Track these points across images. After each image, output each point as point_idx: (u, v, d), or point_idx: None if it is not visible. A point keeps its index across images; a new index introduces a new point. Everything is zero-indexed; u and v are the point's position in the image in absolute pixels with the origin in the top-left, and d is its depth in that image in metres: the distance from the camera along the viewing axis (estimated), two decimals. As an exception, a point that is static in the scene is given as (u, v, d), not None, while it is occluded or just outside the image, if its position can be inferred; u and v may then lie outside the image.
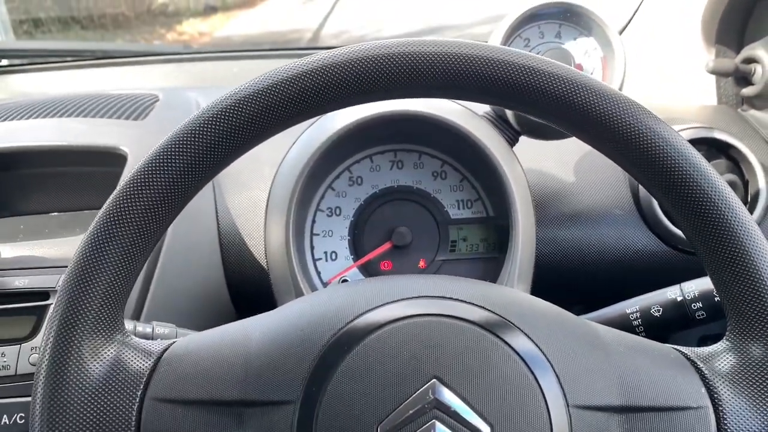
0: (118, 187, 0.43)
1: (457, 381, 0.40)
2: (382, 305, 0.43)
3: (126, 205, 0.42)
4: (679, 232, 0.80)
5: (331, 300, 0.45)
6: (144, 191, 0.42)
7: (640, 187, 0.82)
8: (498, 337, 0.41)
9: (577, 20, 0.76)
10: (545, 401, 0.40)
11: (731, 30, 0.96)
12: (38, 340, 0.63)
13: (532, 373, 0.40)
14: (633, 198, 0.83)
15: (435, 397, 0.39)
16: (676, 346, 0.46)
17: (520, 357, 0.41)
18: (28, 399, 0.61)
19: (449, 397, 0.39)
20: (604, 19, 0.74)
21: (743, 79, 0.95)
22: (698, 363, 0.44)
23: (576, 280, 0.83)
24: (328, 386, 0.40)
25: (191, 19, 7.07)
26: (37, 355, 0.63)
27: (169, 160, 0.42)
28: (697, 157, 0.43)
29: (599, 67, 0.76)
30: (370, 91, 0.43)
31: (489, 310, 0.43)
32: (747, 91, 0.95)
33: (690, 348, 0.46)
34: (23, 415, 0.62)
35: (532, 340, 0.42)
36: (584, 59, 0.76)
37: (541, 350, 0.41)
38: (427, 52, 0.42)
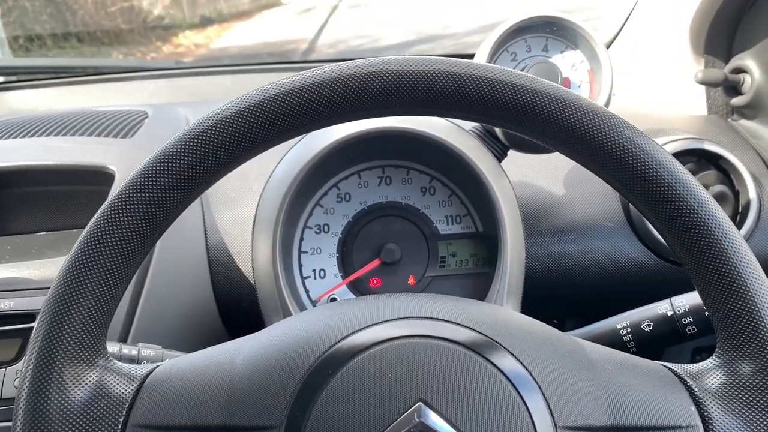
0: (100, 209, 0.43)
1: (443, 403, 0.39)
2: (367, 327, 0.42)
3: (108, 226, 0.42)
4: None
5: (316, 322, 0.45)
6: (126, 212, 0.42)
7: None
8: (484, 357, 0.41)
9: (563, 34, 0.76)
10: (533, 423, 0.39)
11: (719, 40, 0.96)
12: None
13: (519, 394, 0.40)
14: (623, 210, 0.83)
15: (420, 420, 0.39)
16: (665, 363, 0.46)
17: (506, 378, 0.40)
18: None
19: (435, 420, 0.39)
20: (591, 32, 0.74)
21: (732, 89, 0.95)
22: (688, 380, 0.44)
23: (567, 293, 0.83)
24: (312, 410, 0.39)
25: (187, 32, 7.10)
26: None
27: (152, 180, 0.42)
28: (683, 172, 0.42)
29: (586, 80, 0.76)
30: (356, 109, 0.43)
31: (475, 330, 0.42)
32: (736, 101, 0.95)
33: (680, 365, 0.46)
34: None
35: (519, 361, 0.41)
36: (571, 72, 0.76)
37: (528, 370, 0.41)
38: (414, 70, 0.42)
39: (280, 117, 0.42)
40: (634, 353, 0.50)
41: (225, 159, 0.43)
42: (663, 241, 0.79)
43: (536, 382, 0.40)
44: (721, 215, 0.42)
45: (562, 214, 0.83)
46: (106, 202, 0.43)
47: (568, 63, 0.76)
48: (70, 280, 0.42)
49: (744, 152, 0.88)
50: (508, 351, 0.41)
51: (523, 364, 0.41)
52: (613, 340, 0.63)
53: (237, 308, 0.80)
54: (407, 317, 0.43)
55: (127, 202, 0.42)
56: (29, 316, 0.64)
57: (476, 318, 0.44)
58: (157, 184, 0.42)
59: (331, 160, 0.71)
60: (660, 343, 0.62)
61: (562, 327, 0.49)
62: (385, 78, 0.42)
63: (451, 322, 0.43)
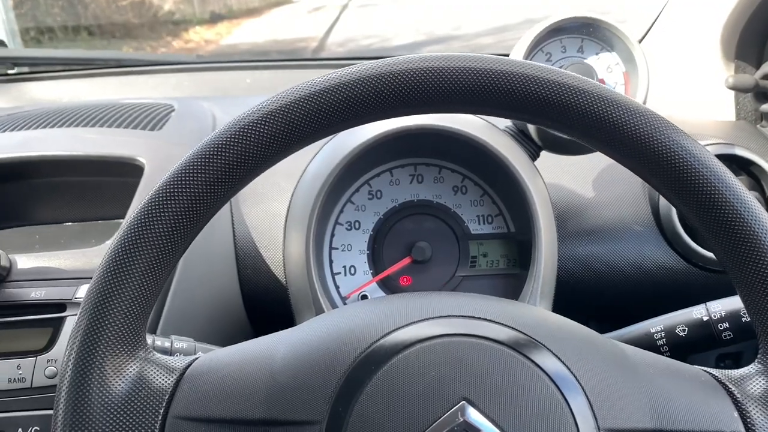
0: (143, 200, 0.42)
1: (487, 402, 0.39)
2: (410, 324, 0.42)
3: (152, 217, 0.42)
4: (699, 248, 0.79)
5: (357, 317, 0.44)
6: (169, 205, 0.42)
7: (660, 202, 0.81)
8: (527, 357, 0.41)
9: (599, 35, 0.76)
10: (575, 424, 0.39)
11: (751, 46, 0.95)
12: (54, 352, 0.62)
13: (563, 394, 0.39)
14: (653, 214, 0.83)
15: (464, 418, 0.38)
16: (706, 369, 0.46)
17: (550, 378, 0.40)
18: (44, 412, 0.62)
19: (478, 418, 0.38)
20: (627, 34, 0.74)
21: (763, 95, 0.95)
22: (730, 386, 0.43)
23: (592, 295, 0.83)
24: (354, 406, 0.39)
25: (197, 27, 7.11)
26: (53, 367, 0.62)
27: (196, 174, 0.42)
28: (728, 175, 0.42)
29: (621, 83, 0.76)
30: (403, 105, 0.43)
31: (518, 330, 0.42)
32: (766, 107, 0.94)
33: (721, 371, 0.45)
34: (38, 428, 0.62)
35: (562, 361, 0.41)
36: (606, 74, 0.76)
37: (571, 371, 0.41)
38: (457, 67, 0.42)
39: (327, 111, 0.42)
40: (668, 357, 0.50)
41: (270, 152, 0.43)
42: (692, 245, 0.79)
43: (579, 384, 0.40)
44: (767, 219, 0.42)
45: (591, 216, 0.83)
46: (150, 193, 0.42)
47: (603, 65, 0.76)
48: (113, 271, 0.42)
49: (773, 158, 0.88)
50: (552, 352, 0.41)
51: (566, 365, 0.41)
52: (646, 344, 0.62)
53: (263, 302, 0.80)
54: (450, 316, 0.43)
55: (172, 194, 0.42)
56: (60, 306, 0.64)
57: (519, 318, 0.43)
58: (202, 176, 0.42)
59: (363, 157, 0.71)
60: (694, 348, 0.62)
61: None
62: (434, 74, 0.42)
63: (495, 321, 0.43)
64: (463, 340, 0.41)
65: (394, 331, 0.42)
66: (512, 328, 0.42)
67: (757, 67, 0.96)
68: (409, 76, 0.42)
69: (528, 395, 0.39)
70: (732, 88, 0.94)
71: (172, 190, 0.42)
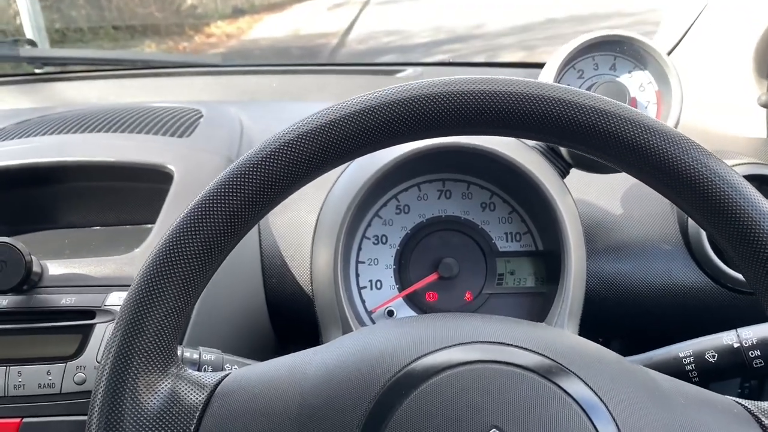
0: (182, 214, 0.43)
1: (517, 431, 0.39)
2: (441, 349, 0.42)
3: (189, 233, 0.42)
4: (728, 269, 0.78)
5: (388, 340, 0.44)
6: (207, 220, 0.42)
7: (689, 222, 0.80)
8: (558, 386, 0.40)
9: (632, 52, 0.75)
10: None
11: (785, 63, 0.94)
12: (84, 359, 0.63)
13: (593, 425, 0.39)
14: (681, 233, 0.82)
15: None
16: (737, 399, 0.45)
17: (581, 408, 0.40)
18: (72, 418, 0.63)
19: None
20: (661, 52, 0.73)
21: (795, 113, 0.93)
22: (762, 419, 0.43)
23: (619, 315, 0.82)
24: (385, 430, 0.39)
25: (219, 22, 7.14)
26: (82, 374, 0.63)
27: (236, 189, 0.42)
28: (761, 201, 0.42)
29: (654, 102, 0.75)
30: (438, 127, 0.43)
31: (549, 358, 0.42)
32: (798, 125, 0.93)
33: (752, 402, 0.45)
34: None
35: (594, 391, 0.41)
36: (639, 93, 0.75)
37: (602, 401, 0.40)
38: (502, 91, 0.42)
39: (366, 131, 0.42)
40: (696, 383, 0.49)
41: (308, 169, 0.43)
42: (721, 266, 0.78)
43: (611, 414, 0.40)
44: None
45: (618, 233, 0.82)
46: (188, 207, 0.43)
47: (636, 83, 0.75)
48: (149, 286, 0.42)
49: (804, 179, 0.86)
50: (583, 381, 0.41)
51: (597, 395, 0.40)
52: (674, 369, 0.61)
53: (288, 312, 0.80)
54: (481, 341, 0.43)
55: (210, 209, 0.42)
56: (89, 313, 0.65)
57: (550, 345, 0.43)
58: (240, 192, 0.42)
59: (391, 172, 0.71)
60: (723, 375, 0.61)
61: (607, 347, 0.49)
62: (473, 98, 0.42)
63: (526, 348, 0.42)
64: (494, 368, 0.41)
65: (425, 356, 0.42)
66: (543, 355, 0.42)
67: (790, 84, 0.94)
68: (449, 98, 0.42)
69: (559, 424, 0.39)
70: (764, 105, 0.93)
71: (210, 205, 0.42)
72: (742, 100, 0.99)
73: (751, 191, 0.42)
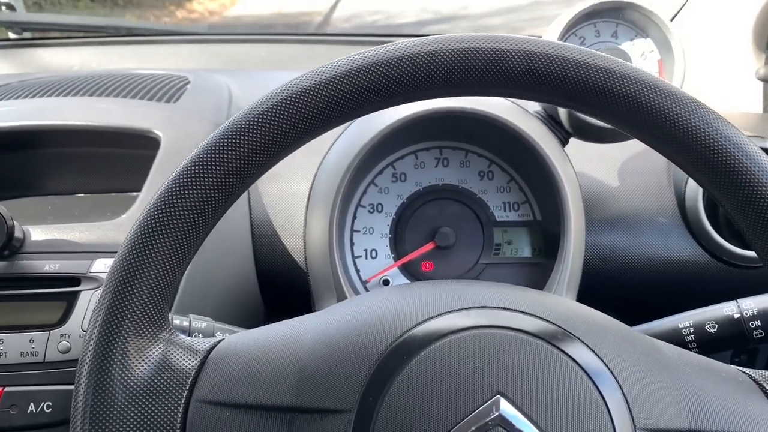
0: (170, 177, 0.41)
1: (522, 397, 0.38)
2: (443, 314, 0.41)
3: (179, 196, 0.41)
4: (725, 243, 0.78)
5: (388, 305, 0.43)
6: (198, 183, 0.41)
7: (686, 194, 0.80)
8: (564, 352, 0.40)
9: (634, 19, 0.74)
10: (612, 422, 0.38)
11: (783, 37, 0.93)
12: (68, 327, 0.61)
13: (599, 391, 0.39)
14: (678, 206, 0.81)
15: (498, 413, 0.37)
16: (743, 369, 0.45)
17: (587, 374, 0.39)
18: (56, 387, 0.61)
19: (513, 413, 0.37)
20: (665, 20, 0.71)
21: (792, 87, 0.93)
22: (767, 387, 0.42)
23: (614, 287, 0.81)
24: (385, 397, 0.38)
25: (201, -3, 7.02)
26: (66, 342, 0.61)
27: (227, 150, 0.41)
28: None
29: (656, 71, 0.74)
30: (444, 86, 0.41)
31: (554, 324, 0.41)
32: (795, 100, 0.92)
33: (758, 371, 0.44)
34: (50, 403, 0.61)
35: (599, 357, 0.40)
36: (641, 61, 0.74)
37: (608, 368, 0.40)
38: (509, 49, 0.41)
39: (367, 89, 0.41)
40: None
41: (302, 131, 0.41)
42: (718, 240, 0.78)
43: (617, 381, 0.39)
44: None
45: (615, 205, 0.81)
46: (177, 170, 0.41)
47: (638, 51, 0.74)
48: (139, 249, 0.40)
49: (801, 154, 0.86)
50: (589, 347, 0.40)
51: (603, 362, 0.40)
52: (674, 339, 0.61)
53: (279, 282, 0.79)
54: (484, 306, 0.42)
55: (201, 171, 0.41)
56: (74, 280, 0.63)
57: (554, 310, 0.42)
58: (234, 151, 0.40)
59: (388, 138, 0.69)
60: (723, 345, 0.61)
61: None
62: (475, 55, 0.41)
63: (530, 314, 0.42)
64: (498, 332, 0.40)
65: (427, 320, 0.41)
66: (548, 321, 0.41)
67: (788, 58, 0.94)
68: (450, 56, 0.41)
69: (564, 391, 0.38)
70: (762, 79, 0.92)
71: (201, 167, 0.40)
72: (740, 74, 0.98)
73: (762, 156, 0.41)
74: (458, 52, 0.41)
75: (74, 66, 1.21)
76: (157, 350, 0.41)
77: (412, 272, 0.74)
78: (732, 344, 0.61)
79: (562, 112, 0.72)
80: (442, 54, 0.41)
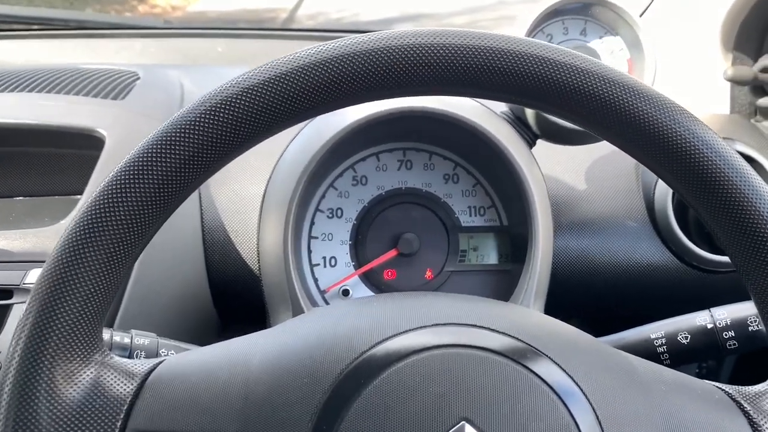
0: (105, 179, 0.38)
1: (489, 423, 0.35)
2: (405, 332, 0.38)
3: (114, 199, 0.37)
4: (694, 247, 0.77)
5: (344, 322, 0.40)
6: (135, 185, 0.37)
7: (655, 197, 0.78)
8: (533, 372, 0.37)
9: (603, 17, 0.72)
10: None
11: (751, 37, 0.92)
12: (0, 343, 0.57)
13: (571, 414, 0.36)
14: (647, 210, 0.80)
15: None
16: (719, 385, 0.43)
17: (557, 396, 0.37)
18: None
19: None
20: (635, 18, 0.69)
21: (760, 88, 0.92)
22: (744, 404, 0.41)
23: (581, 293, 0.80)
24: (340, 425, 0.35)
25: (163, -9, 6.90)
26: None
27: (167, 152, 0.37)
28: (750, 173, 0.39)
29: (625, 70, 0.72)
30: (398, 86, 0.39)
31: (522, 341, 0.39)
32: (763, 101, 0.92)
33: (733, 387, 0.43)
34: None
35: (571, 377, 0.38)
36: (610, 59, 0.72)
37: (580, 388, 0.38)
38: (472, 45, 0.38)
39: (317, 88, 0.38)
40: (667, 365, 0.48)
41: (251, 131, 0.38)
42: (687, 245, 0.76)
43: (589, 402, 0.37)
44: None
45: (583, 209, 0.80)
46: (114, 171, 0.38)
47: (607, 49, 0.72)
48: (68, 259, 0.37)
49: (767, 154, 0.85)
50: (560, 366, 0.38)
51: (575, 381, 0.38)
52: (645, 350, 0.60)
53: (233, 292, 0.75)
54: (448, 323, 0.39)
55: (139, 173, 0.37)
56: (6, 292, 0.59)
57: (522, 327, 0.40)
58: (173, 154, 0.37)
59: (348, 139, 0.66)
60: (696, 356, 0.60)
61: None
62: (435, 52, 0.38)
63: (497, 331, 0.39)
64: (462, 352, 0.38)
65: (386, 340, 0.38)
66: (515, 338, 0.39)
67: (755, 59, 0.93)
68: (407, 52, 0.38)
69: (533, 414, 0.36)
70: (730, 79, 0.91)
71: (138, 168, 0.37)
72: (707, 75, 0.97)
73: (739, 161, 0.39)
74: (417, 48, 0.38)
75: (18, 60, 1.15)
76: (88, 374, 0.38)
77: (373, 281, 0.71)
78: (705, 355, 0.60)
79: (530, 114, 0.70)
80: (398, 50, 0.38)
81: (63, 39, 1.23)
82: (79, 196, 0.68)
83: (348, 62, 0.38)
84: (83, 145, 0.72)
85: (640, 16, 1.03)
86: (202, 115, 0.37)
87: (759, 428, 0.39)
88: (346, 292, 0.70)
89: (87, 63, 0.96)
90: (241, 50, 1.24)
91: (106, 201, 0.37)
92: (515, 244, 0.72)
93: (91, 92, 0.80)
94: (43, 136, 0.73)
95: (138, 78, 0.86)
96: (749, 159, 0.79)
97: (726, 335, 0.57)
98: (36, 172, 0.76)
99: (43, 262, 0.58)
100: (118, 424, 0.37)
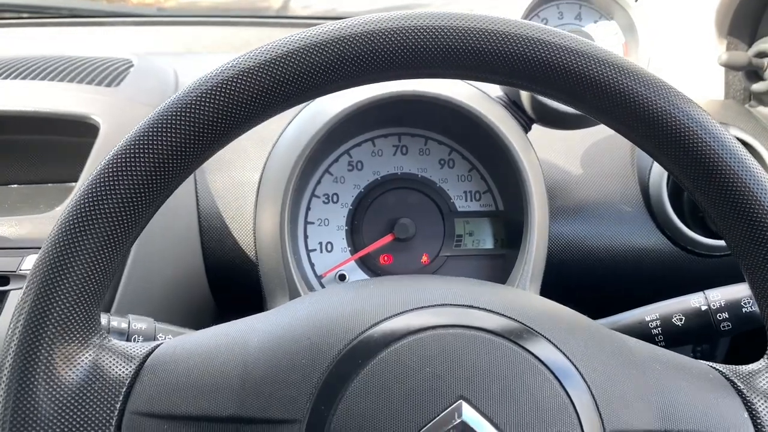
0: (100, 164, 0.38)
1: (486, 401, 0.36)
2: (401, 313, 0.39)
3: (109, 184, 0.37)
4: (689, 232, 0.77)
5: (341, 304, 0.41)
6: (130, 170, 0.37)
7: (650, 182, 0.79)
8: (529, 352, 0.38)
9: (598, 2, 0.72)
10: (580, 425, 0.36)
11: (745, 22, 0.93)
12: None
13: (568, 394, 0.37)
14: (642, 194, 0.80)
15: (461, 419, 0.35)
16: (713, 364, 0.44)
17: (553, 375, 0.37)
18: None
19: (477, 419, 0.35)
20: (630, 2, 0.69)
21: (754, 73, 0.92)
22: (738, 383, 0.41)
23: (576, 278, 0.80)
24: (338, 404, 0.36)
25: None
26: None
27: (161, 136, 0.37)
28: (748, 158, 0.39)
29: (620, 54, 0.71)
30: (393, 67, 0.39)
31: (518, 322, 0.39)
32: (757, 86, 0.92)
33: (728, 366, 0.43)
34: None
35: (567, 356, 0.38)
36: (605, 43, 0.72)
37: (576, 368, 0.38)
38: (470, 27, 0.38)
39: (311, 71, 0.38)
40: (662, 347, 0.47)
41: (245, 115, 0.38)
42: (682, 229, 0.77)
43: (585, 381, 0.38)
44: None
45: (577, 194, 0.80)
46: (108, 156, 0.38)
47: (602, 33, 0.72)
48: (65, 243, 0.37)
49: (763, 140, 0.86)
50: (556, 346, 0.38)
51: (571, 361, 0.38)
52: (640, 332, 0.61)
53: (229, 277, 0.76)
54: (445, 304, 0.40)
55: (133, 158, 0.37)
56: (3, 279, 0.59)
57: (519, 308, 0.40)
58: (167, 139, 0.37)
59: (343, 124, 0.66)
60: (690, 338, 0.60)
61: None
62: (430, 34, 0.38)
63: (493, 311, 0.39)
64: (459, 332, 0.38)
65: (383, 321, 0.38)
66: (512, 318, 0.39)
67: (750, 44, 0.93)
68: (402, 34, 0.38)
69: (530, 394, 0.36)
70: (725, 65, 0.91)
71: (133, 153, 0.37)
72: (701, 60, 0.97)
73: (737, 145, 0.39)
74: (413, 30, 0.38)
75: (10, 49, 1.14)
76: (86, 357, 0.38)
77: (369, 266, 0.72)
78: (699, 337, 0.61)
79: (525, 98, 0.69)
80: (388, 33, 0.38)
81: (55, 27, 1.22)
82: (73, 184, 0.68)
83: (339, 46, 0.38)
84: (78, 133, 0.72)
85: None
86: (196, 100, 0.38)
87: (752, 406, 0.40)
88: (342, 277, 0.71)
89: (80, 51, 0.95)
90: (235, 38, 1.24)
91: (100, 186, 0.38)
92: (510, 229, 0.72)
93: (85, 80, 0.79)
94: (37, 123, 0.73)
95: (132, 65, 0.86)
96: (744, 144, 0.79)
97: (720, 317, 0.58)
98: (31, 159, 0.76)
99: (39, 248, 0.59)
100: (117, 405, 0.38)
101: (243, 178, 0.75)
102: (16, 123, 0.74)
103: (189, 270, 0.74)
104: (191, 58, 1.04)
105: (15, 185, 0.76)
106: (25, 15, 1.23)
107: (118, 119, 0.72)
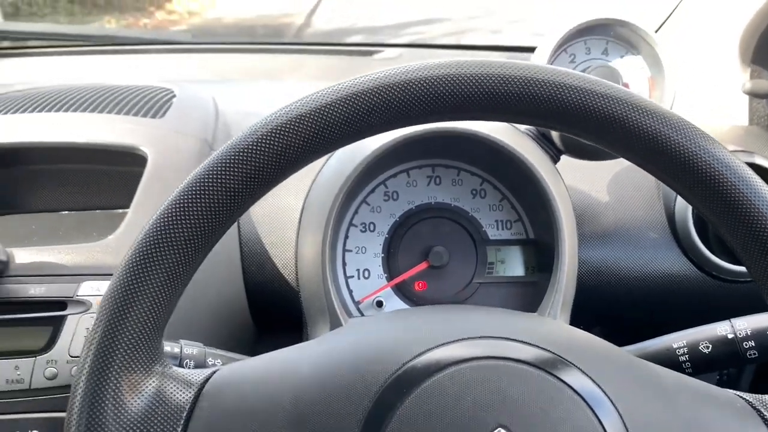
0: (168, 199, 0.41)
1: (524, 429, 0.38)
2: (443, 345, 0.41)
3: (173, 222, 0.40)
4: (714, 258, 0.78)
5: (386, 335, 0.43)
6: (196, 205, 0.40)
7: (676, 208, 0.80)
8: (562, 381, 0.40)
9: (624, 37, 0.74)
10: None
11: (768, 50, 0.94)
12: (55, 353, 0.60)
13: (600, 421, 0.39)
14: (668, 220, 0.81)
15: None
16: (740, 393, 0.45)
17: (587, 405, 0.39)
18: (43, 415, 0.60)
19: None
20: (655, 37, 0.72)
21: (778, 101, 0.94)
22: (764, 412, 0.42)
23: (604, 303, 0.81)
24: (385, 431, 0.38)
25: (180, -2, 6.95)
26: (53, 369, 0.60)
27: (226, 173, 0.40)
28: (759, 183, 0.41)
29: (646, 88, 0.74)
30: (429, 113, 0.42)
31: (553, 353, 0.41)
32: (781, 113, 0.93)
33: (754, 395, 0.45)
34: (37, 431, 0.59)
35: (600, 387, 0.40)
36: (631, 78, 0.74)
37: (609, 398, 0.40)
38: (498, 74, 0.41)
39: (358, 117, 0.41)
40: (689, 374, 0.49)
41: (304, 153, 0.41)
42: (707, 255, 0.78)
43: (617, 411, 0.39)
44: None
45: (604, 220, 0.81)
46: (172, 195, 0.41)
47: (628, 68, 0.74)
48: (132, 277, 0.40)
49: (787, 167, 0.86)
50: (586, 374, 0.40)
51: (603, 391, 0.40)
52: (667, 360, 0.61)
53: (269, 303, 0.78)
54: (483, 337, 0.42)
55: (200, 192, 0.40)
56: (61, 304, 0.61)
57: (553, 339, 0.43)
58: (234, 175, 0.40)
59: (380, 157, 0.68)
60: (717, 365, 0.61)
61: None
62: (469, 81, 0.41)
63: (529, 343, 0.42)
64: (498, 364, 0.40)
65: (426, 351, 0.40)
66: (546, 349, 0.41)
67: (773, 72, 0.94)
68: (442, 82, 0.41)
69: (565, 422, 0.38)
70: (749, 92, 0.93)
71: (199, 189, 0.40)
72: (725, 87, 0.99)
73: (757, 181, 0.41)
74: (461, 78, 0.41)
75: (53, 77, 1.18)
76: (151, 384, 0.41)
77: (405, 292, 0.73)
78: (726, 364, 0.61)
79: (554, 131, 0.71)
80: (438, 80, 0.41)
81: (95, 55, 1.26)
82: (121, 210, 0.70)
83: (394, 91, 0.40)
84: (126, 163, 0.75)
85: (658, 29, 1.05)
86: (257, 141, 0.40)
87: None
88: (379, 303, 0.72)
89: (122, 80, 0.99)
90: (266, 64, 1.27)
91: (168, 220, 0.40)
92: (541, 256, 0.74)
93: (132, 111, 0.82)
94: (88, 154, 0.76)
95: (173, 95, 0.89)
96: (767, 171, 0.80)
97: (746, 345, 0.58)
98: (81, 188, 0.79)
99: (94, 275, 0.62)
100: (179, 430, 0.40)
101: (284, 205, 0.77)
102: (70, 153, 0.77)
103: (231, 294, 0.76)
104: (227, 86, 1.07)
105: (66, 212, 0.79)
106: (67, 43, 1.27)
107: (164, 150, 0.75)
